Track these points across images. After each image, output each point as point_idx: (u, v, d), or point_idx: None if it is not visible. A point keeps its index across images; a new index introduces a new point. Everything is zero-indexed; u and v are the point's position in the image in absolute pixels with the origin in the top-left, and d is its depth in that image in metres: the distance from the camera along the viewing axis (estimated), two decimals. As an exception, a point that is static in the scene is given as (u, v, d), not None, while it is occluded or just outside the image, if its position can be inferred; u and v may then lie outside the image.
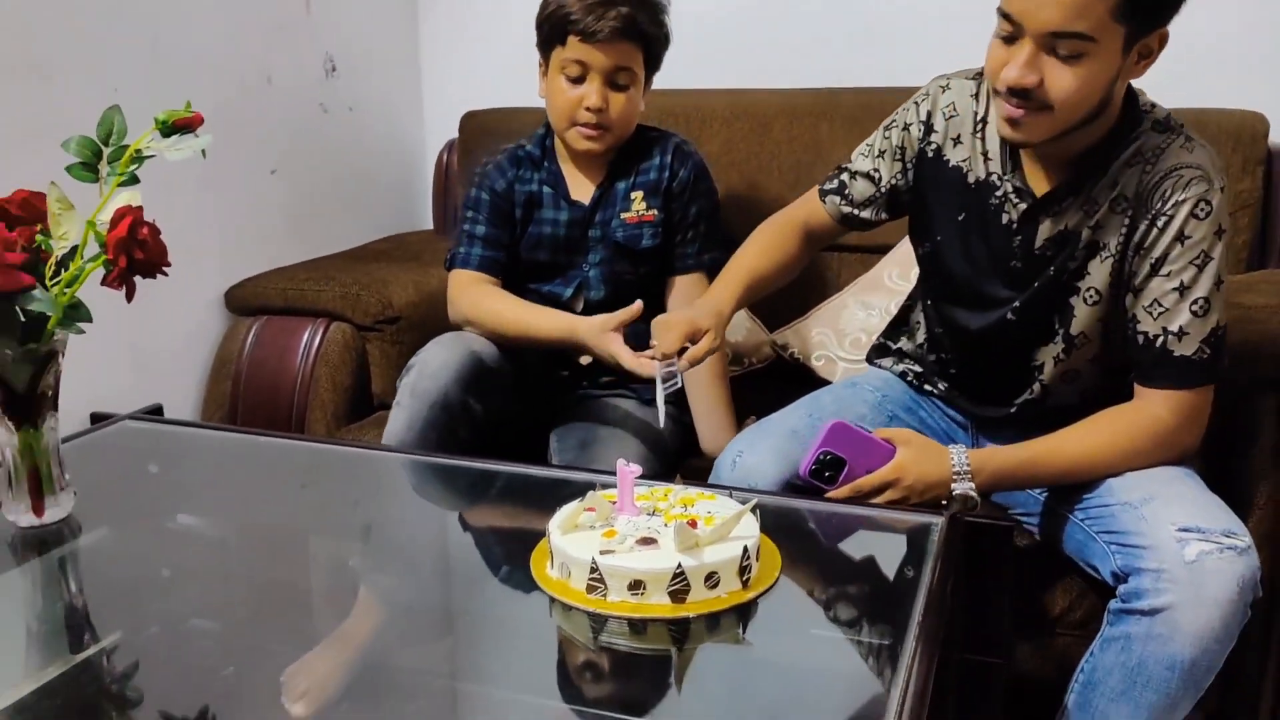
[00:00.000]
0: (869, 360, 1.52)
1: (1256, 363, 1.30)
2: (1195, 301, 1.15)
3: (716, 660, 0.94)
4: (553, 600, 0.96)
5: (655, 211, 1.54)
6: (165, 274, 1.08)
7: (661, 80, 2.06)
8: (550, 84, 1.51)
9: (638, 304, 1.35)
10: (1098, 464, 1.19)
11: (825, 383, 1.67)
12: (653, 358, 1.26)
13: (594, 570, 0.93)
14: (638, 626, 0.93)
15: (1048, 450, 1.20)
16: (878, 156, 1.36)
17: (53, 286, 1.05)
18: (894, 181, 1.35)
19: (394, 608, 1.07)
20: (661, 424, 1.27)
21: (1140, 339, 1.18)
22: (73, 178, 1.07)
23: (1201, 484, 1.17)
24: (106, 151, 1.08)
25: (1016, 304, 1.25)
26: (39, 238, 1.07)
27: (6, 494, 1.11)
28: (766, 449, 1.25)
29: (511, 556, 1.04)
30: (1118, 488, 1.17)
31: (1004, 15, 1.10)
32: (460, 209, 1.61)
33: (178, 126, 1.08)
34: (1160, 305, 1.16)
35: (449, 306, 1.55)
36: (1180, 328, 1.15)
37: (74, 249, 1.07)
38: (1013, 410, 1.31)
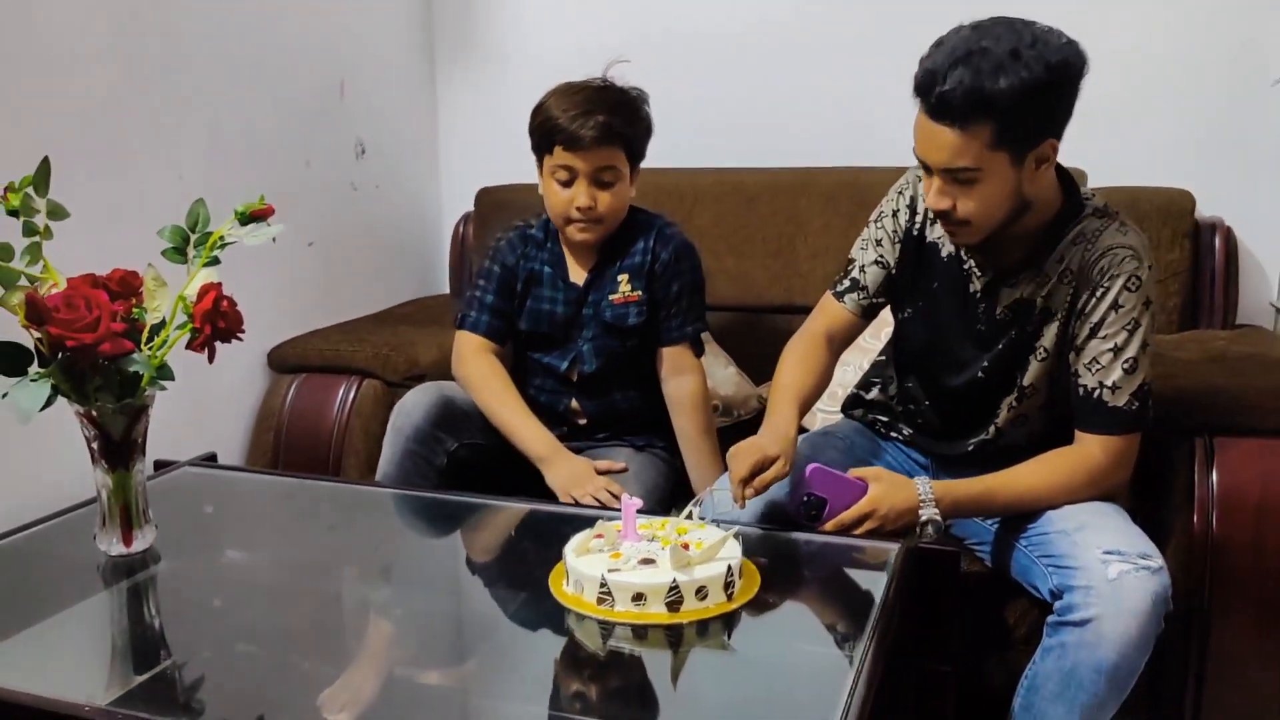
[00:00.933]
0: (843, 410, 1.71)
1: (1176, 414, 1.48)
2: (1126, 361, 1.33)
3: (706, 659, 1.11)
4: (568, 611, 1.14)
5: (640, 292, 1.66)
6: (240, 339, 1.27)
7: (658, 160, 2.29)
8: (545, 185, 1.64)
9: (621, 464, 1.60)
10: (1041, 496, 1.36)
11: (804, 432, 1.85)
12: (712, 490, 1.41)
13: (603, 585, 1.11)
14: (640, 632, 1.10)
15: (1000, 484, 1.37)
16: (878, 245, 1.49)
17: (146, 350, 1.25)
18: (905, 259, 1.48)
19: (435, 621, 1.24)
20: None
21: (1080, 390, 1.36)
22: (166, 259, 1.27)
23: (1126, 516, 1.34)
24: (193, 237, 1.28)
25: (985, 363, 1.43)
26: (135, 310, 1.26)
27: (100, 528, 1.29)
28: (747, 488, 1.43)
29: (534, 577, 1.22)
30: (1056, 518, 1.34)
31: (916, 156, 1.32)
32: (474, 275, 1.78)
33: (254, 216, 1.28)
34: (1097, 363, 1.34)
35: (454, 362, 1.71)
36: (1114, 383, 1.33)
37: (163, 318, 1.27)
38: (969, 449, 1.49)
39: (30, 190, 1.21)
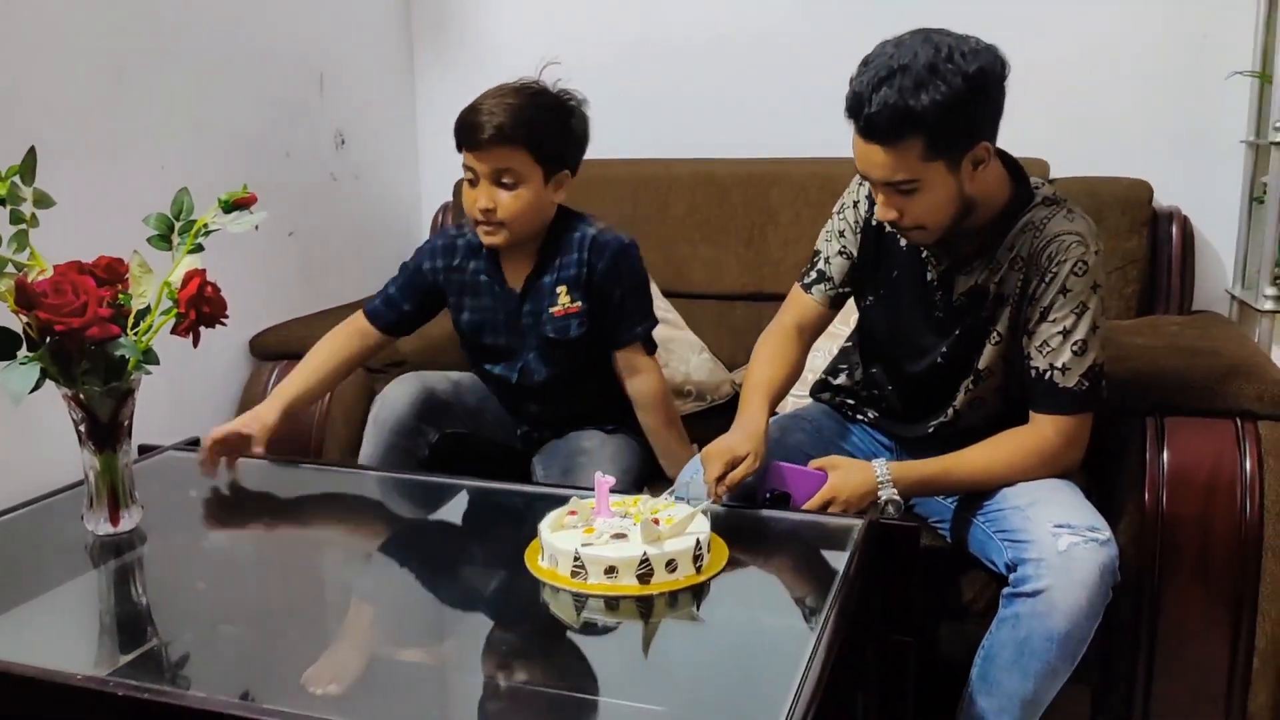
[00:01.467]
0: (812, 394, 1.76)
1: (1128, 395, 1.54)
2: (1075, 343, 1.38)
3: (675, 629, 1.16)
4: (544, 584, 1.18)
5: (579, 303, 1.63)
6: (224, 324, 1.31)
7: (636, 151, 2.34)
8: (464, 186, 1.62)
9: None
10: (995, 474, 1.42)
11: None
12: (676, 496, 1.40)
13: (577, 559, 1.16)
14: (612, 603, 1.15)
15: (955, 463, 1.43)
16: (840, 236, 1.55)
17: (132, 335, 1.28)
18: (868, 248, 1.53)
19: (416, 596, 1.29)
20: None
21: (1033, 373, 1.41)
22: (151, 246, 1.30)
23: (1078, 491, 1.40)
24: (178, 225, 1.31)
25: (943, 348, 1.48)
26: (121, 296, 1.30)
27: (88, 509, 1.32)
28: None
29: (511, 553, 1.26)
30: (1011, 495, 1.40)
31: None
32: None
33: (237, 204, 1.31)
34: (1048, 345, 1.39)
35: None
36: (1063, 364, 1.39)
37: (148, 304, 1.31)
38: (930, 431, 1.54)
39: (17, 179, 1.23)
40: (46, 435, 1.47)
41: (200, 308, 1.27)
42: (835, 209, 1.58)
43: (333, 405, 1.89)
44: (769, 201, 2.13)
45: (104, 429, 1.29)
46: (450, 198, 2.37)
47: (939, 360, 1.49)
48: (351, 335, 1.71)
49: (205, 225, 1.31)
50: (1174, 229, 2.00)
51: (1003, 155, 1.42)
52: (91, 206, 1.63)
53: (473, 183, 1.59)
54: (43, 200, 1.25)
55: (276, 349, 1.98)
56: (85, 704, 1.00)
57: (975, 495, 1.45)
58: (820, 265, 1.58)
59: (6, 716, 1.05)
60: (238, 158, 1.97)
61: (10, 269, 1.23)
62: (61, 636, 1.17)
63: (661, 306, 2.07)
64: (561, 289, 1.64)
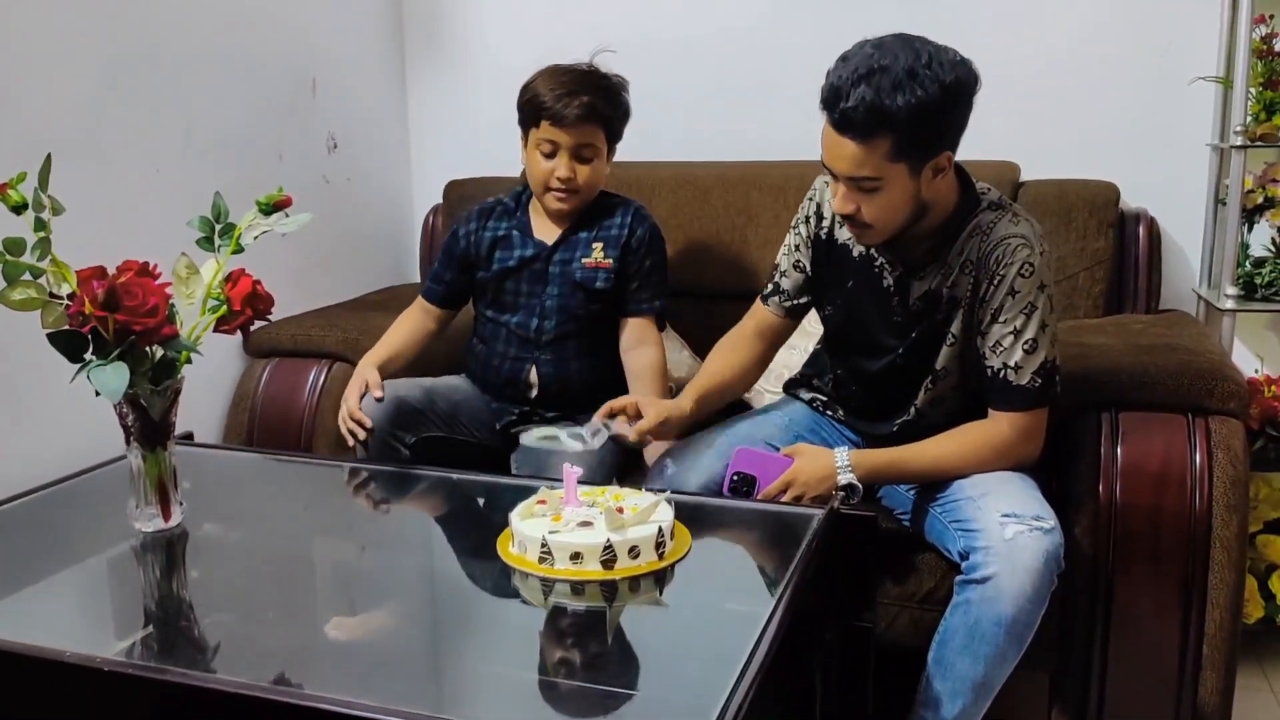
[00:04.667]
0: (785, 390, 1.82)
1: (1086, 391, 1.60)
2: (1026, 342, 1.44)
3: (638, 612, 1.22)
4: (514, 570, 1.25)
5: (612, 260, 1.81)
6: (269, 320, 1.37)
7: (618, 154, 2.40)
8: (529, 156, 1.80)
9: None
10: (951, 465, 1.48)
11: (749, 409, 1.96)
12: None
13: (544, 545, 1.22)
14: (577, 587, 1.21)
15: (913, 453, 1.49)
16: (795, 250, 1.62)
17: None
18: (821, 261, 1.60)
19: (396, 581, 1.35)
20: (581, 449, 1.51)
21: (988, 372, 1.47)
22: (201, 249, 1.34)
23: (1029, 482, 1.46)
24: (218, 228, 1.35)
25: (901, 351, 1.54)
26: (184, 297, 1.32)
27: (135, 508, 1.35)
28: (689, 462, 1.55)
29: (484, 540, 1.32)
30: (965, 486, 1.46)
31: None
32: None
33: (276, 206, 1.36)
34: (1000, 345, 1.45)
35: None
36: (1016, 363, 1.44)
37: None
38: (895, 429, 1.60)
39: (36, 187, 1.25)
40: (48, 427, 1.52)
41: (256, 305, 1.33)
42: (792, 223, 1.64)
43: (322, 400, 1.95)
44: (749, 203, 2.18)
45: (154, 427, 1.32)
46: (441, 200, 2.43)
47: (898, 362, 1.55)
48: (416, 312, 1.91)
49: (250, 226, 1.35)
50: (1141, 230, 2.04)
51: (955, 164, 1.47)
52: (86, 211, 1.66)
53: (549, 155, 1.76)
54: (54, 208, 1.26)
55: (269, 346, 2.03)
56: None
57: (933, 486, 1.51)
58: (777, 278, 1.65)
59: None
60: (230, 161, 2.03)
61: (27, 276, 1.24)
62: (203, 646, 1.18)
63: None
64: (598, 245, 1.82)
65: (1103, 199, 2.01)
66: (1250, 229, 2.03)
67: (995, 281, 1.44)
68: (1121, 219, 2.04)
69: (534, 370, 1.83)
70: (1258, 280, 1.99)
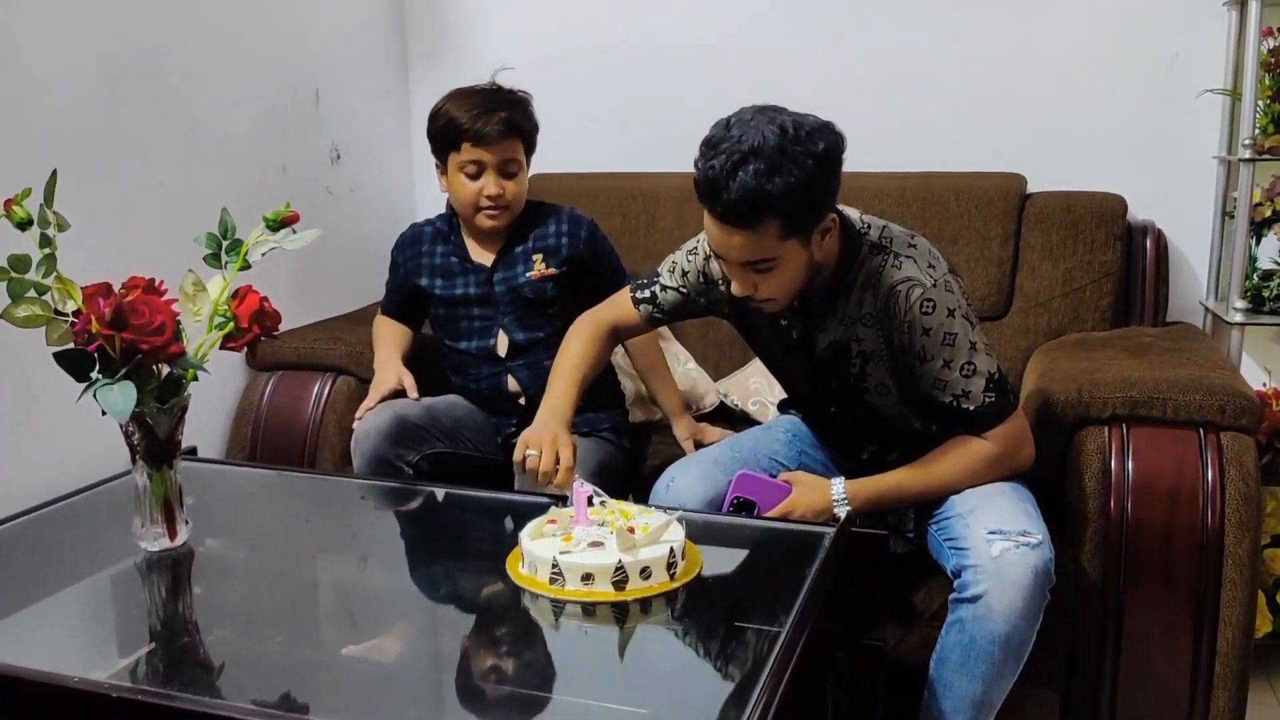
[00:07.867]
0: (779, 409, 1.81)
1: (1095, 404, 1.59)
2: (961, 368, 1.41)
3: (649, 634, 1.21)
4: (524, 590, 1.23)
5: (556, 270, 1.83)
6: (276, 336, 1.35)
7: (623, 165, 2.39)
8: (451, 181, 1.81)
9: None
10: (947, 485, 1.47)
11: (756, 424, 1.95)
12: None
13: (555, 566, 1.21)
14: (588, 609, 1.20)
15: (909, 477, 1.48)
16: (684, 275, 1.58)
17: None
18: (699, 299, 1.59)
19: (402, 601, 1.34)
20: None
21: (942, 408, 1.45)
22: (207, 265, 1.32)
23: (1021, 495, 1.44)
24: (225, 244, 1.33)
25: (829, 398, 1.54)
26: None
27: (140, 528, 1.33)
28: (694, 476, 1.54)
29: (492, 560, 1.31)
30: (956, 502, 1.45)
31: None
32: None
33: (284, 222, 1.35)
34: (940, 380, 1.43)
35: None
36: (962, 390, 1.42)
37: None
38: (865, 458, 1.59)
39: (41, 204, 1.23)
40: (47, 444, 1.51)
41: (263, 322, 1.32)
42: (685, 247, 1.60)
43: (326, 414, 1.94)
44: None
45: (160, 445, 1.31)
46: (444, 211, 2.41)
47: (831, 408, 1.57)
48: (389, 321, 1.97)
49: (257, 243, 1.33)
50: (1148, 242, 2.04)
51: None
52: (88, 223, 1.66)
53: (475, 176, 1.78)
54: (59, 224, 1.25)
55: (272, 359, 2.02)
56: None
57: (931, 504, 1.50)
58: (655, 289, 1.62)
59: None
60: (234, 173, 2.02)
61: (33, 292, 1.22)
62: (209, 666, 1.17)
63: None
64: (538, 257, 1.84)
65: (1110, 211, 2.01)
66: (1258, 242, 2.02)
67: (905, 330, 1.42)
68: (1129, 231, 2.03)
69: (511, 379, 1.84)
70: (1265, 293, 1.98)
